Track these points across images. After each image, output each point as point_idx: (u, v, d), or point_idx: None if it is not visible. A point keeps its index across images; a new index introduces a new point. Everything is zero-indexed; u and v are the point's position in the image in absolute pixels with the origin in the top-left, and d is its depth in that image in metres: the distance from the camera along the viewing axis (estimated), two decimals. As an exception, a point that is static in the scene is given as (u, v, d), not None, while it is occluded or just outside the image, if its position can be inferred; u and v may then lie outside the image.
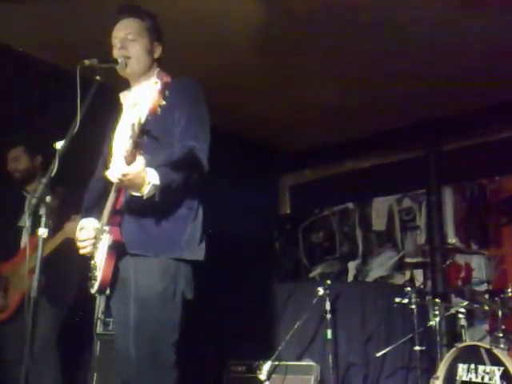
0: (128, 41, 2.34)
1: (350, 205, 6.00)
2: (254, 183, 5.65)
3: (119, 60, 2.30)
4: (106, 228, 2.22)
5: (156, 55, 2.42)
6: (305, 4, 3.61)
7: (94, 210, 2.42)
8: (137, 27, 2.37)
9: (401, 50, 4.07)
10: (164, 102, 1.85)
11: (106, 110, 2.53)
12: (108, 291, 2.32)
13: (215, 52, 4.09)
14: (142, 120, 1.88)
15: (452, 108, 4.92)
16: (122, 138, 2.36)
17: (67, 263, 3.14)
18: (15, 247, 3.41)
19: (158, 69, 1.89)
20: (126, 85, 2.48)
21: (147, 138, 1.94)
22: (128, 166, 1.96)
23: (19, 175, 3.51)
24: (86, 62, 2.14)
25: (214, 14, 3.68)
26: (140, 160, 1.97)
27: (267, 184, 6.32)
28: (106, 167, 2.40)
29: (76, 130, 2.05)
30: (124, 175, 1.98)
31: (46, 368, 3.22)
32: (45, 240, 1.95)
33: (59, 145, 2.04)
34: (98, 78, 2.16)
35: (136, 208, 2.22)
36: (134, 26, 2.37)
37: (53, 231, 3.22)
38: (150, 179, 2.04)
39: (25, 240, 3.38)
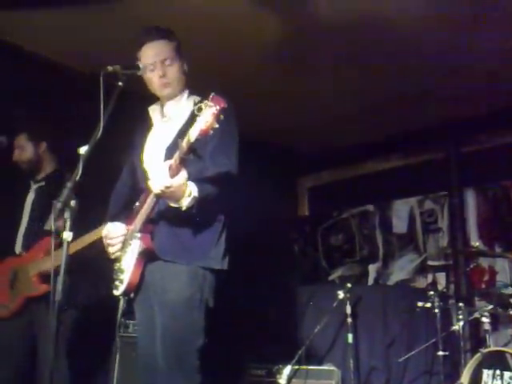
0: (166, 66, 2.45)
1: (370, 207, 5.95)
2: (272, 185, 5.64)
3: (141, 65, 2.37)
4: (138, 235, 2.35)
5: (186, 73, 2.53)
6: (319, 12, 3.62)
7: (120, 216, 2.53)
8: (170, 50, 2.47)
9: (421, 51, 4.04)
10: (217, 126, 1.96)
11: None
12: (132, 294, 2.45)
13: (235, 60, 4.13)
14: (192, 139, 2.00)
15: (474, 109, 4.86)
16: (156, 150, 2.49)
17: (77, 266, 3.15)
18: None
19: (212, 93, 1.96)
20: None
21: (193, 156, 2.07)
22: (172, 179, 2.08)
23: (25, 166, 3.45)
24: (109, 68, 2.19)
25: (230, 27, 3.75)
26: (183, 174, 2.11)
27: (286, 186, 6.31)
28: (135, 177, 2.57)
29: (99, 135, 2.08)
30: (167, 187, 2.09)
31: (57, 372, 3.20)
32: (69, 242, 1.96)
33: (83, 150, 2.08)
34: (120, 84, 2.20)
35: (169, 218, 2.33)
36: (168, 50, 2.47)
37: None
38: (190, 191, 2.17)
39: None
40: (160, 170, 2.10)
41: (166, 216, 2.33)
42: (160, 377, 2.29)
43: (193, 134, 1.99)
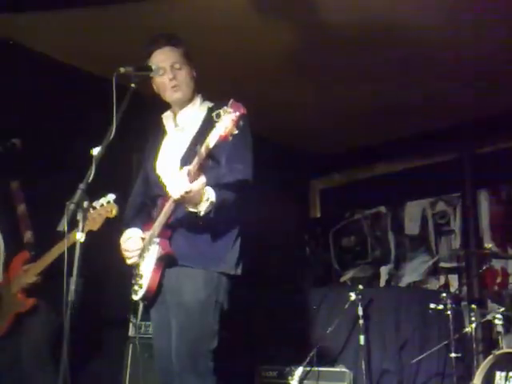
0: (175, 70, 2.48)
1: (382, 208, 5.94)
2: (284, 187, 5.64)
3: (153, 67, 2.39)
4: (157, 240, 2.38)
5: (195, 78, 2.56)
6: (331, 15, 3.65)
7: (136, 221, 2.57)
8: (178, 56, 2.51)
9: (432, 51, 4.02)
10: (237, 131, 1.99)
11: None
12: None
13: (251, 65, 4.17)
14: (211, 145, 2.04)
15: (488, 110, 4.83)
16: (170, 159, 2.52)
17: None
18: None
19: (231, 100, 2.02)
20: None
21: (211, 161, 2.13)
22: (191, 184, 2.11)
23: None
24: (122, 69, 2.21)
25: (247, 31, 3.79)
26: (202, 179, 2.16)
27: (298, 188, 6.30)
28: (148, 184, 2.61)
29: (112, 136, 2.09)
30: (187, 192, 2.12)
31: (44, 376, 3.18)
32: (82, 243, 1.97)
33: (95, 151, 2.09)
34: (133, 85, 2.22)
35: (186, 223, 2.36)
36: (175, 55, 2.51)
37: (35, 238, 3.27)
38: (208, 196, 2.20)
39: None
40: (179, 176, 2.12)
41: (183, 222, 2.36)
42: (178, 377, 2.31)
43: (211, 139, 2.02)
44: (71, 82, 3.99)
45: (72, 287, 1.93)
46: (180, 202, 2.22)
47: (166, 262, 2.38)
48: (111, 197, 2.68)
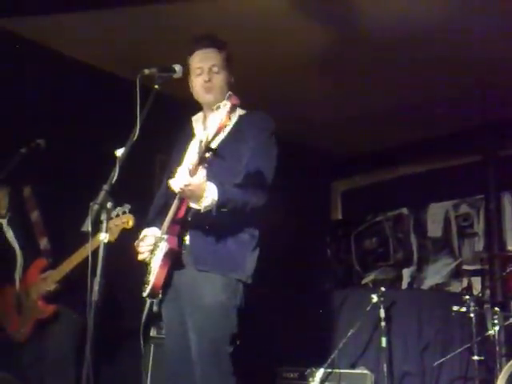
0: (212, 73, 2.49)
1: (405, 210, 5.90)
2: (306, 189, 5.64)
3: (177, 68, 2.37)
4: (165, 236, 2.37)
5: (232, 85, 2.56)
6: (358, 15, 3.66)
7: (156, 222, 2.55)
8: (219, 60, 2.52)
9: (456, 53, 4.00)
10: (229, 122, 2.02)
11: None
12: (160, 296, 2.46)
13: (277, 66, 4.19)
14: (210, 137, 2.03)
15: None
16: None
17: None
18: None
19: (229, 92, 2.03)
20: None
21: (213, 155, 2.07)
22: (190, 177, 2.10)
23: None
24: (146, 71, 2.22)
25: (273, 38, 3.84)
26: (201, 172, 2.12)
27: (319, 190, 6.30)
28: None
29: (136, 137, 2.11)
30: (186, 185, 2.12)
31: (64, 378, 3.23)
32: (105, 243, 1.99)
33: (119, 152, 2.11)
34: (156, 87, 2.23)
35: (204, 229, 2.36)
36: (216, 58, 2.52)
37: (51, 245, 3.29)
38: (208, 193, 2.18)
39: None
40: (181, 170, 2.14)
41: (201, 227, 2.36)
42: (200, 378, 2.32)
43: (210, 131, 2.03)
44: (95, 83, 4.04)
45: (96, 288, 1.94)
46: (183, 197, 2.22)
47: (173, 258, 2.36)
48: (127, 207, 2.71)
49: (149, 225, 2.57)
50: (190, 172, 2.09)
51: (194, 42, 2.53)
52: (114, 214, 2.65)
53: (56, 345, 3.23)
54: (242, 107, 2.56)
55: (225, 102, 2.01)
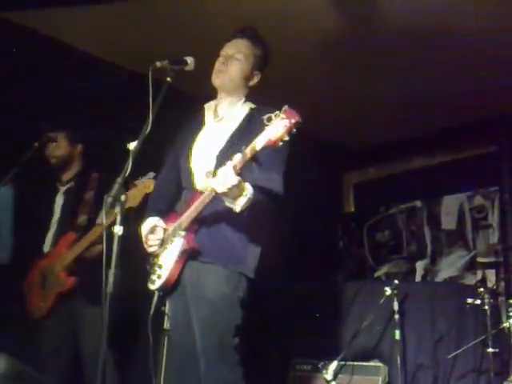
0: (233, 59, 2.48)
1: (418, 203, 5.86)
2: (318, 181, 5.63)
3: (189, 60, 2.37)
4: (182, 233, 2.38)
5: (251, 83, 2.55)
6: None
7: (162, 211, 2.56)
8: (246, 50, 2.51)
9: (470, 44, 3.96)
10: (288, 138, 1.97)
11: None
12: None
13: (292, 56, 4.11)
14: (258, 148, 2.03)
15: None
16: (206, 152, 2.51)
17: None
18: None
19: (285, 106, 2.01)
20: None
21: (254, 163, 2.11)
22: (237, 177, 2.11)
23: (55, 161, 3.51)
24: (158, 63, 2.23)
25: (287, 21, 3.75)
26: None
27: (331, 182, 6.28)
28: (179, 175, 2.59)
29: (148, 130, 2.12)
30: (234, 186, 2.11)
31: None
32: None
33: (132, 145, 2.12)
34: (168, 79, 2.23)
35: (212, 220, 2.37)
36: (244, 48, 2.51)
37: (88, 223, 3.32)
38: (247, 192, 2.20)
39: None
40: (226, 170, 2.11)
41: (209, 219, 2.37)
42: (206, 369, 2.33)
43: (259, 142, 2.02)
44: (108, 77, 4.04)
45: (110, 279, 1.96)
46: (221, 196, 2.21)
47: (189, 256, 2.39)
48: (151, 174, 2.75)
49: (155, 214, 2.55)
50: (235, 172, 2.09)
51: (235, 31, 2.54)
52: (138, 182, 2.72)
53: (91, 337, 3.21)
54: (251, 101, 2.57)
55: (281, 114, 1.97)
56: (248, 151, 2.06)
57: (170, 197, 2.64)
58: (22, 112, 3.61)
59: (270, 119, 1.98)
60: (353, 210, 6.54)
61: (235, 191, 2.16)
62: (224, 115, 2.54)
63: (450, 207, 5.61)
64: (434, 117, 5.11)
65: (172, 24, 3.73)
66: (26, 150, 3.33)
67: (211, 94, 2.61)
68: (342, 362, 3.94)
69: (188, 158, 2.55)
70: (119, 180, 2.03)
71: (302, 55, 4.18)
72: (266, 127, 1.99)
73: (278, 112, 1.97)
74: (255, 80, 2.55)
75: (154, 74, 2.19)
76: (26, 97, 3.65)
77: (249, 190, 2.21)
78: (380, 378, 3.85)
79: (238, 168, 2.10)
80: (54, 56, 3.82)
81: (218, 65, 2.49)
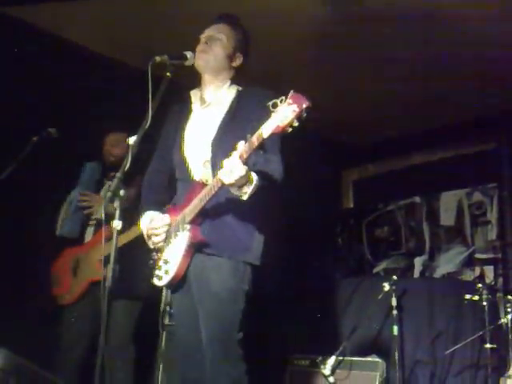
0: (214, 39, 2.46)
1: (417, 199, 5.87)
2: (317, 178, 5.63)
3: (188, 55, 2.37)
4: (188, 226, 2.34)
5: (234, 64, 2.52)
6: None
7: (156, 203, 2.53)
8: (226, 32, 2.49)
9: (471, 42, 3.95)
10: (297, 124, 1.91)
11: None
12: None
13: (293, 49, 4.14)
14: (265, 135, 1.98)
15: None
16: (197, 140, 2.47)
17: (139, 255, 3.23)
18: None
19: (292, 91, 1.94)
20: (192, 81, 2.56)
21: (262, 151, 2.08)
22: (245, 167, 2.08)
23: (114, 160, 3.58)
24: (157, 58, 2.21)
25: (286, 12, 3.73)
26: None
27: (330, 178, 6.28)
28: (171, 164, 2.55)
29: (148, 125, 2.11)
30: (242, 176, 2.09)
31: (122, 362, 3.35)
32: (119, 231, 2.01)
33: (131, 140, 2.11)
34: (168, 74, 2.22)
35: (213, 211, 2.34)
36: (224, 30, 2.49)
37: (129, 220, 3.35)
38: (253, 179, 2.17)
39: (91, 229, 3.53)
40: (233, 160, 2.08)
41: (210, 209, 2.34)
42: (210, 364, 2.32)
43: (267, 129, 1.97)
44: (108, 72, 4.04)
45: (109, 274, 1.96)
46: (228, 187, 2.17)
47: (196, 250, 2.36)
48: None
49: (150, 206, 2.52)
50: (242, 162, 2.07)
51: (214, 18, 2.53)
52: None
53: (117, 329, 3.29)
54: (237, 83, 2.54)
55: (288, 100, 1.91)
56: (255, 139, 2.02)
57: (163, 188, 2.61)
58: (23, 110, 3.61)
59: (275, 105, 1.93)
60: (352, 206, 6.54)
61: (242, 180, 2.13)
62: (211, 100, 2.50)
63: (448, 203, 5.62)
64: (433, 114, 5.11)
65: (172, 19, 3.73)
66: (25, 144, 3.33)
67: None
68: (340, 357, 3.95)
69: (181, 148, 2.51)
70: (119, 175, 2.02)
71: (299, 50, 4.17)
72: (273, 113, 1.93)
73: (283, 97, 1.91)
74: (238, 62, 2.52)
75: (154, 69, 2.18)
76: (27, 95, 3.64)
77: (254, 177, 2.18)
78: (378, 374, 3.86)
79: (244, 158, 2.07)
80: (53, 50, 3.82)
81: (200, 47, 2.45)
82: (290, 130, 1.93)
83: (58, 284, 3.50)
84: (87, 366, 3.38)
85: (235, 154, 2.07)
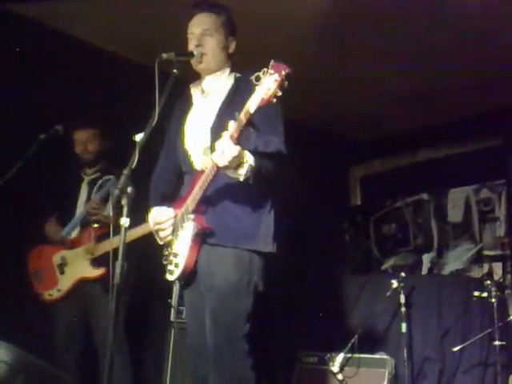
0: (205, 37, 2.40)
1: (425, 196, 5.85)
2: (324, 174, 5.62)
3: (195, 53, 2.36)
4: (191, 216, 2.31)
5: (230, 50, 2.49)
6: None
7: (165, 199, 2.51)
8: (213, 23, 2.43)
9: (476, 35, 3.93)
10: (281, 93, 1.88)
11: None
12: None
13: (292, 44, 4.07)
14: (251, 110, 1.94)
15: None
16: (198, 130, 2.45)
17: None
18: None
19: (272, 61, 1.91)
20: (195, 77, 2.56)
21: (252, 128, 2.03)
22: (237, 147, 2.02)
23: (88, 157, 3.61)
24: (164, 55, 2.20)
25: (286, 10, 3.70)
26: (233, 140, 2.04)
27: (338, 175, 6.27)
28: (176, 160, 2.54)
29: (155, 122, 2.11)
30: (235, 157, 2.03)
31: (121, 356, 3.33)
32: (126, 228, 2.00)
33: (138, 137, 2.10)
34: (175, 71, 2.22)
35: (215, 199, 2.30)
36: (211, 22, 2.43)
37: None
38: (247, 159, 2.10)
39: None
40: (223, 142, 2.04)
41: (212, 197, 2.31)
42: (214, 360, 2.29)
43: (252, 104, 1.93)
44: (113, 69, 4.03)
45: (117, 271, 1.95)
46: (223, 170, 2.13)
47: (203, 238, 2.31)
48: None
49: (158, 203, 2.50)
50: (233, 141, 2.02)
51: (192, 6, 2.47)
52: None
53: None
54: (236, 71, 2.51)
55: (269, 70, 1.88)
56: (242, 116, 1.98)
57: (171, 185, 2.59)
58: (26, 106, 3.62)
59: (258, 78, 1.90)
60: (359, 203, 6.53)
61: (236, 161, 2.07)
62: (210, 89, 2.48)
63: (456, 200, 5.59)
64: (440, 109, 5.09)
65: (177, 16, 3.72)
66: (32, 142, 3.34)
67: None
68: (349, 355, 3.93)
69: (182, 141, 2.50)
70: (126, 172, 2.01)
71: (306, 48, 4.15)
72: (257, 87, 1.91)
73: (265, 69, 1.89)
74: (232, 47, 2.49)
75: (160, 65, 2.17)
76: (29, 92, 3.65)
77: (248, 157, 2.11)
78: (386, 371, 3.85)
79: (235, 137, 2.02)
80: (59, 48, 3.82)
81: (193, 48, 2.40)
82: (275, 100, 1.90)
83: (40, 280, 3.50)
84: (84, 365, 3.43)
85: (225, 135, 2.04)
